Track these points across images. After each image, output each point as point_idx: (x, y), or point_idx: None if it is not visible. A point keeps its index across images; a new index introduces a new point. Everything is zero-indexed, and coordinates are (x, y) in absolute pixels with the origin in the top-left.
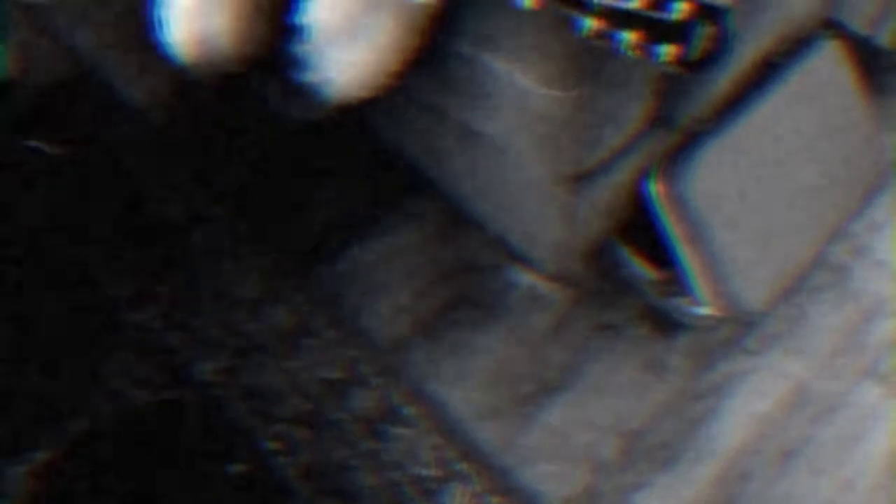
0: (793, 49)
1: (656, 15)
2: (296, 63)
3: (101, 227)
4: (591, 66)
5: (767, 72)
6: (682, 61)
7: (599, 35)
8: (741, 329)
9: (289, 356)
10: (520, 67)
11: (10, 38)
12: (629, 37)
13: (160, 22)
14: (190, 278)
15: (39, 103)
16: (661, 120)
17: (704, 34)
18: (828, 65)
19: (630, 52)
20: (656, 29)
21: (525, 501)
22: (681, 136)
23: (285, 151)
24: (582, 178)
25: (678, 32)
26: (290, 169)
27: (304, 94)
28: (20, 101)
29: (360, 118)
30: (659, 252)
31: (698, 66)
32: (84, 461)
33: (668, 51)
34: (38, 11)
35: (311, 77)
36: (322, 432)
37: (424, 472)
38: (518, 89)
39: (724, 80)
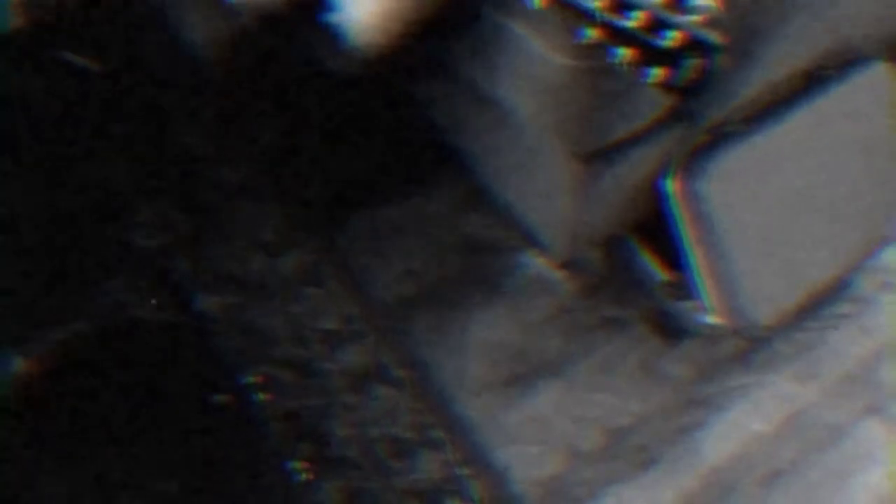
0: (843, 65)
1: (650, 39)
2: (327, 5)
3: (128, 148)
4: None
5: (811, 84)
6: (668, 85)
7: (598, 46)
8: (749, 346)
9: (291, 301)
10: (535, 33)
11: None
12: (624, 53)
13: None
14: (209, 213)
15: (80, 17)
16: (683, 114)
17: (692, 65)
18: (874, 86)
19: (624, 67)
20: (649, 51)
21: (495, 478)
22: (707, 136)
23: (322, 106)
24: (595, 160)
25: (668, 58)
26: (323, 123)
27: (337, 40)
28: (59, 12)
29: (398, 86)
30: (673, 254)
31: (682, 92)
32: (76, 362)
33: (657, 73)
34: None
35: (337, 18)
36: (308, 379)
37: (400, 433)
38: (532, 55)
39: (756, 83)
